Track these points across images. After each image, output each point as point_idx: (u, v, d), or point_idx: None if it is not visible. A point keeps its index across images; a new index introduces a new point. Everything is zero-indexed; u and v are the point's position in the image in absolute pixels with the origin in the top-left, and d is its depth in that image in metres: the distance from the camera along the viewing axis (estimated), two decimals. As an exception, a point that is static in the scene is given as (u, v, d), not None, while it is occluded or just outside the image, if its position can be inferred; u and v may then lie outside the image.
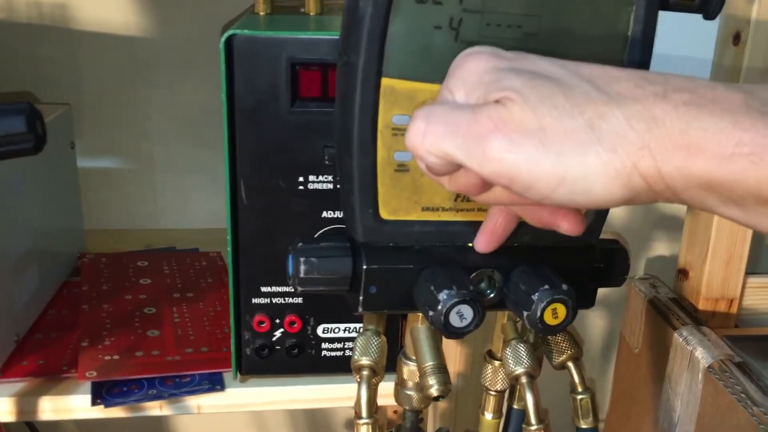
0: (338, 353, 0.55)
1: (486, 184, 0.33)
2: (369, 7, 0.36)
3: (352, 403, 0.47)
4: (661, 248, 0.92)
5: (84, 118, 0.81)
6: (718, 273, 0.64)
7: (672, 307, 0.65)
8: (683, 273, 0.68)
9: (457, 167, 0.32)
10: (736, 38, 0.58)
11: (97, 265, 0.72)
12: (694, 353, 0.59)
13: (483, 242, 0.40)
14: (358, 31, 0.37)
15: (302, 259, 0.40)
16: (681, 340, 0.60)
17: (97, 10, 0.79)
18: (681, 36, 0.62)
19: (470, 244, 0.41)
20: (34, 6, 0.78)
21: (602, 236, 0.44)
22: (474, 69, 0.32)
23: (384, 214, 0.40)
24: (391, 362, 0.46)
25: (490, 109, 0.30)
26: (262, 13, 0.56)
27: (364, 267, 0.40)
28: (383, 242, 0.40)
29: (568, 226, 0.36)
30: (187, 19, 0.80)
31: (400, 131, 0.39)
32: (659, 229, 0.92)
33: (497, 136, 0.29)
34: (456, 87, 0.32)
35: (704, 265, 0.64)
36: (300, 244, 0.41)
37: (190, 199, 0.88)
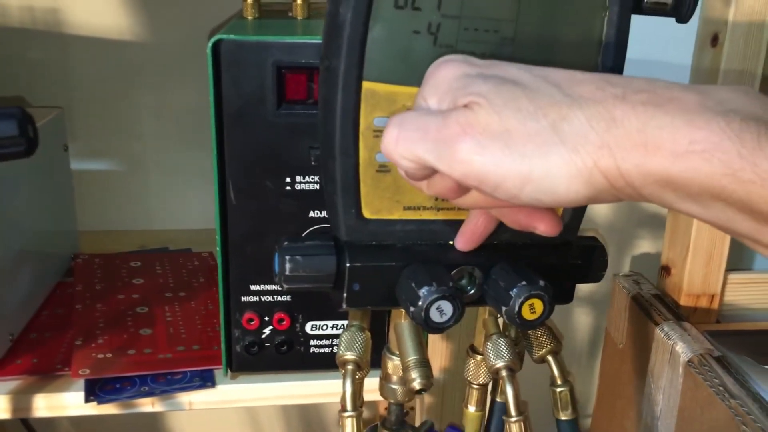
0: (326, 350, 0.57)
1: (461, 188, 0.35)
2: (349, 13, 0.37)
3: (339, 399, 0.48)
4: (645, 246, 0.94)
5: (77, 120, 0.82)
6: (699, 270, 0.65)
7: (654, 303, 0.67)
8: (665, 270, 0.69)
9: (432, 171, 0.33)
10: (714, 40, 0.59)
11: (91, 266, 0.73)
12: (675, 348, 0.60)
13: (463, 241, 0.41)
14: (339, 37, 0.38)
15: (288, 258, 0.41)
16: (662, 335, 0.62)
17: (88, 14, 0.80)
18: (661, 38, 0.63)
19: (451, 242, 0.42)
20: (27, 10, 0.79)
21: (582, 233, 0.46)
22: (445, 76, 0.33)
23: (366, 213, 0.41)
24: (377, 358, 0.47)
25: (459, 114, 0.31)
26: (249, 18, 0.57)
27: (348, 265, 0.41)
28: (366, 241, 0.42)
29: (544, 227, 0.37)
30: (177, 23, 0.81)
31: (381, 133, 0.40)
32: (643, 227, 0.93)
33: (465, 139, 0.30)
34: (429, 94, 0.34)
35: (685, 262, 0.65)
36: (286, 243, 0.42)
37: (182, 200, 0.89)
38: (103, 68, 0.82)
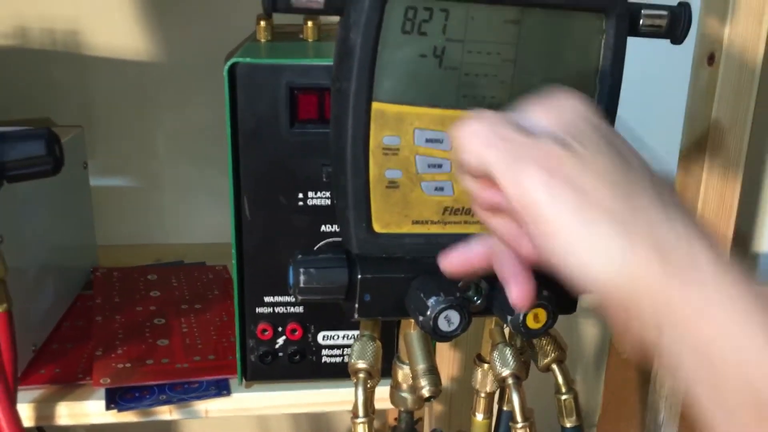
0: (338, 359, 0.58)
1: (503, 209, 0.34)
2: (359, 38, 0.40)
3: (351, 407, 0.50)
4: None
5: (96, 139, 0.84)
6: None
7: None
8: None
9: (485, 176, 0.33)
10: (711, 59, 0.61)
11: (110, 279, 0.76)
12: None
13: (447, 263, 0.40)
14: (350, 61, 0.40)
15: (302, 270, 0.43)
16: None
17: (107, 35, 0.83)
18: (658, 57, 0.65)
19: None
20: (47, 33, 0.82)
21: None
22: (575, 107, 0.34)
23: (377, 227, 0.43)
24: (387, 367, 0.49)
25: (553, 143, 0.31)
26: (263, 40, 0.60)
27: (359, 277, 0.43)
28: (376, 254, 0.43)
29: (515, 296, 0.37)
30: (192, 45, 0.84)
31: (390, 151, 0.42)
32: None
33: (539, 171, 0.30)
34: (546, 111, 0.33)
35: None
36: (300, 256, 0.44)
37: (195, 215, 0.91)
38: (121, 88, 0.85)
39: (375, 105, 0.41)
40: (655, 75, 0.75)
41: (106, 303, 0.70)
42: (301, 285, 0.43)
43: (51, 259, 0.67)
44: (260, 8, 0.39)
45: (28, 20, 0.81)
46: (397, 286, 0.43)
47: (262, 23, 0.60)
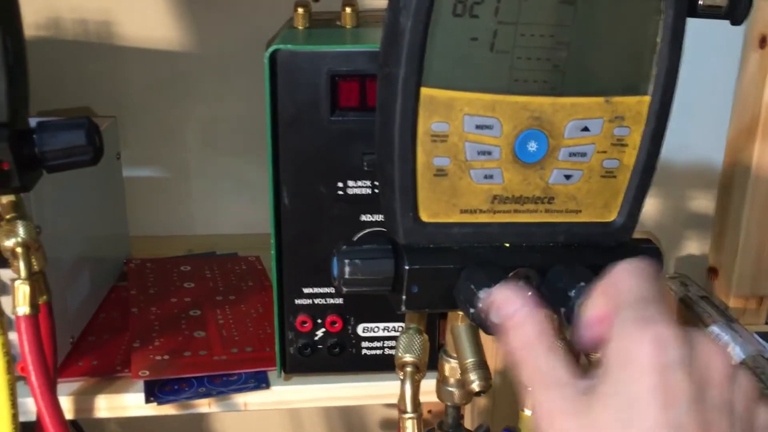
0: (378, 351, 0.57)
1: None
2: (409, 22, 0.38)
3: (391, 400, 0.49)
4: (691, 247, 0.93)
5: (128, 129, 0.84)
6: (748, 271, 0.65)
7: (703, 305, 0.66)
8: (713, 272, 0.69)
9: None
10: (763, 41, 0.59)
11: (143, 270, 0.75)
12: (727, 349, 0.60)
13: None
14: (399, 45, 0.39)
15: (347, 261, 0.42)
16: (713, 336, 0.62)
17: (139, 26, 0.82)
18: (705, 39, 0.63)
19: (507, 245, 0.43)
20: (80, 23, 0.82)
21: (635, 235, 0.46)
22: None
23: (424, 216, 0.42)
24: (430, 360, 0.48)
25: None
26: (300, 27, 0.59)
27: (407, 267, 0.41)
28: (424, 244, 0.42)
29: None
30: (226, 34, 0.83)
31: (438, 138, 0.41)
32: (689, 228, 0.93)
33: None
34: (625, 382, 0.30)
35: (734, 263, 0.65)
36: (344, 247, 0.43)
37: (226, 206, 0.90)
38: (153, 78, 0.84)
39: (424, 90, 0.40)
40: (700, 58, 0.73)
41: (141, 294, 0.70)
42: (346, 276, 0.42)
43: (86, 250, 0.67)
44: None
45: (60, 11, 0.81)
46: (445, 276, 0.42)
47: (300, 10, 0.59)
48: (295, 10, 0.59)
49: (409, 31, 0.38)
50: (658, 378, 0.29)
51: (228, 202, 0.90)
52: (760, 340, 0.61)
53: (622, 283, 0.34)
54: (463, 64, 0.40)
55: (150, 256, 0.79)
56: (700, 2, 0.43)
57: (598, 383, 0.30)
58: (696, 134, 0.76)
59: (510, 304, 0.36)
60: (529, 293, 0.36)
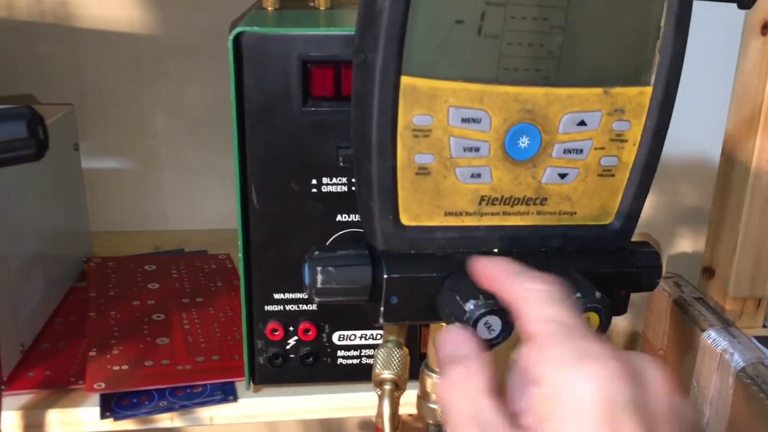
0: (354, 361, 0.53)
1: None
2: (387, 1, 0.34)
3: (368, 412, 0.45)
4: (684, 245, 0.90)
5: (88, 117, 0.79)
6: (746, 271, 0.62)
7: (698, 307, 0.63)
8: (709, 272, 0.65)
9: None
10: (765, 27, 0.56)
11: (104, 270, 0.70)
12: (724, 356, 0.56)
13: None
14: (376, 27, 0.35)
15: (319, 269, 0.38)
16: (710, 341, 0.58)
17: (99, 7, 0.77)
18: (699, 25, 0.59)
19: (495, 250, 0.39)
20: (35, 4, 0.76)
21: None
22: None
23: (405, 219, 0.38)
24: (411, 369, 0.44)
25: None
26: (270, 8, 0.54)
27: (385, 276, 0.38)
28: (404, 250, 0.38)
29: None
30: (193, 14, 0.78)
31: (421, 132, 0.37)
32: (682, 225, 0.90)
33: None
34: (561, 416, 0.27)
35: (732, 263, 0.61)
36: (316, 253, 0.39)
37: (196, 200, 0.86)
38: (115, 62, 0.79)
39: (404, 79, 0.36)
40: (696, 45, 0.70)
41: (101, 296, 0.65)
42: (319, 285, 0.38)
43: (41, 249, 0.62)
44: None
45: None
46: (428, 286, 0.38)
47: (270, -13, 0.54)
48: (264, -10, 0.55)
49: (387, 12, 0.34)
50: (607, 426, 0.25)
51: (198, 194, 0.86)
52: (759, 345, 0.57)
53: (538, 310, 0.30)
54: (447, 49, 0.35)
55: (113, 254, 0.74)
56: (708, -17, 0.39)
57: None
58: (691, 125, 0.72)
59: (449, 343, 0.33)
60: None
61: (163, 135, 0.83)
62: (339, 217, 0.49)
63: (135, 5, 0.77)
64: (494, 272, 0.34)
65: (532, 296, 0.31)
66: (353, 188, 0.49)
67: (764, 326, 0.64)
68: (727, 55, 0.63)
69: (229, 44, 0.45)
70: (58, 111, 0.68)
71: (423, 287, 0.38)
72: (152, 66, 0.80)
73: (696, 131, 0.73)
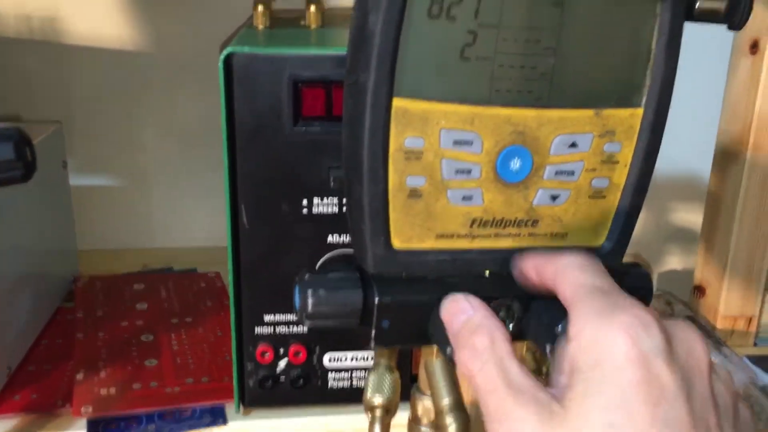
0: (346, 383, 0.53)
1: None
2: (379, 23, 0.34)
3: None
4: (674, 262, 0.90)
5: (76, 134, 0.78)
6: (737, 290, 0.62)
7: (690, 326, 0.63)
8: (699, 290, 0.65)
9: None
10: (754, 47, 0.56)
11: (92, 290, 0.70)
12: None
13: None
14: (368, 49, 0.34)
15: (310, 292, 0.38)
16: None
17: (88, 22, 0.76)
18: (689, 43, 0.60)
19: (487, 273, 0.39)
20: (24, 19, 0.76)
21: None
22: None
23: (396, 243, 0.38)
24: (402, 392, 0.43)
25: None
26: (260, 27, 0.54)
27: (377, 300, 0.37)
28: (395, 273, 0.38)
29: None
30: (182, 30, 0.78)
31: (412, 154, 0.37)
32: (672, 242, 0.90)
33: None
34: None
35: (722, 281, 0.61)
36: (307, 276, 0.38)
37: (186, 217, 0.85)
38: (103, 79, 0.79)
39: (396, 101, 0.35)
40: (686, 62, 0.70)
41: (89, 317, 0.64)
42: (310, 310, 0.37)
43: (28, 268, 0.61)
44: None
45: (2, 6, 0.75)
46: (419, 310, 0.38)
47: (260, 7, 0.54)
48: (255, 8, 0.54)
49: (379, 34, 0.34)
50: (639, 371, 0.25)
51: (188, 211, 0.85)
52: (751, 365, 0.57)
53: (572, 278, 0.31)
54: (439, 71, 0.35)
55: (100, 272, 0.73)
56: (698, 5, 0.39)
57: (568, 388, 0.27)
58: (681, 142, 0.72)
59: (461, 312, 0.33)
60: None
61: (152, 151, 0.82)
62: (330, 239, 0.49)
63: (124, 21, 0.77)
64: (536, 260, 0.35)
65: (568, 266, 0.32)
66: (344, 209, 0.48)
67: (755, 345, 0.64)
68: (716, 73, 0.63)
69: (220, 65, 0.44)
70: (46, 129, 0.67)
71: (415, 311, 0.37)
72: (141, 82, 0.79)
73: (686, 149, 0.73)
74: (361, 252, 0.38)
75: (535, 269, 0.34)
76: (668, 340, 0.27)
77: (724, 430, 0.27)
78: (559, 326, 0.37)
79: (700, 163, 0.69)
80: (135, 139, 0.81)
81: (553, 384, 0.28)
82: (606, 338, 0.26)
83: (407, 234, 0.38)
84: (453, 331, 0.33)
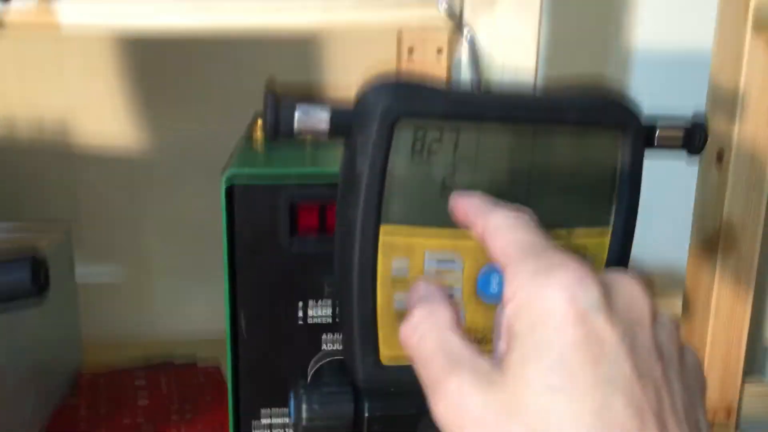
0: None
1: None
2: (366, 164, 0.37)
3: None
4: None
5: (83, 229, 0.82)
6: (715, 382, 0.64)
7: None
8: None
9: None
10: (720, 157, 0.60)
11: (95, 386, 0.72)
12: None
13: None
14: (356, 187, 0.38)
15: (305, 406, 0.40)
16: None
17: (96, 124, 0.81)
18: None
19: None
20: (36, 123, 0.80)
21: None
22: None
23: (385, 359, 0.40)
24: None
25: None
26: (259, 141, 0.58)
27: (366, 415, 0.40)
28: (384, 388, 0.40)
29: None
30: (185, 128, 0.82)
31: (399, 276, 0.40)
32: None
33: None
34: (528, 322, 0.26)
35: (702, 375, 0.64)
36: (302, 389, 0.41)
37: (188, 308, 0.88)
38: (110, 176, 0.83)
39: (383, 229, 0.39)
40: (658, 173, 0.74)
41: (92, 415, 0.66)
42: (304, 423, 0.40)
43: (33, 366, 0.63)
44: (257, 100, 0.38)
45: (17, 110, 0.79)
46: (407, 423, 0.40)
47: (260, 120, 0.58)
48: (255, 121, 0.58)
49: (367, 174, 0.37)
50: (578, 330, 0.25)
51: (189, 303, 0.88)
52: (733, 457, 0.59)
53: (502, 239, 0.30)
54: (422, 201, 0.39)
55: (103, 363, 0.76)
56: (657, 134, 0.43)
57: (508, 353, 0.26)
58: (657, 241, 0.76)
59: (413, 292, 0.34)
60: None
61: (155, 245, 0.86)
62: (324, 346, 0.52)
63: (130, 121, 0.81)
64: (467, 207, 0.34)
65: (500, 225, 0.31)
66: (338, 317, 0.51)
67: (736, 436, 0.66)
68: (689, 171, 0.67)
69: (221, 186, 0.48)
70: (56, 231, 0.70)
71: (403, 424, 0.40)
72: (145, 178, 0.83)
73: (664, 246, 0.76)
74: (352, 366, 0.41)
75: (465, 216, 0.34)
76: (607, 294, 0.26)
77: (671, 381, 0.26)
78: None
79: (677, 260, 0.72)
80: (139, 233, 0.85)
81: (494, 351, 0.28)
82: (541, 299, 0.26)
83: (396, 350, 0.40)
84: (409, 304, 0.33)
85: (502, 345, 0.27)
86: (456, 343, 0.29)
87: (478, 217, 0.33)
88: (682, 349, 0.28)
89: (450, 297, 0.38)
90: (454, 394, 0.26)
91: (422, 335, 0.30)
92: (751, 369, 0.81)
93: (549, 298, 0.26)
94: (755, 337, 0.85)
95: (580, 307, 0.25)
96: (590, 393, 0.24)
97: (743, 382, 0.65)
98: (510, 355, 0.26)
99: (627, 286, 0.28)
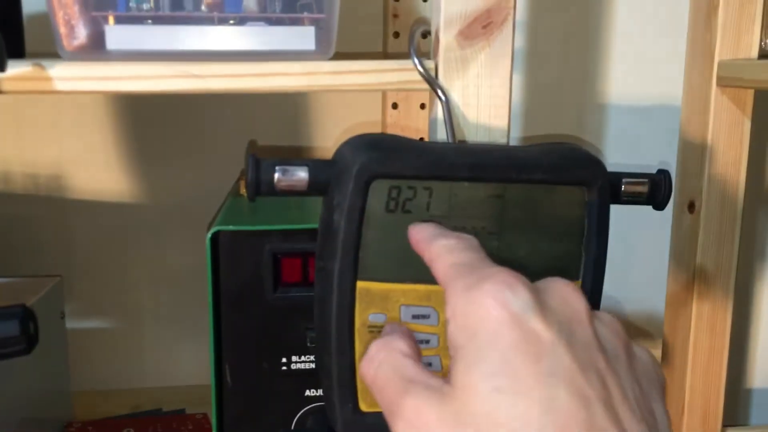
0: None
1: None
2: (343, 221, 0.39)
3: None
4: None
5: (74, 279, 0.83)
6: (696, 430, 0.65)
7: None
8: None
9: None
10: (691, 206, 0.62)
11: (84, 436, 0.72)
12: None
13: None
14: (333, 242, 0.40)
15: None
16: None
17: (88, 177, 0.83)
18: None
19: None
20: (31, 177, 0.82)
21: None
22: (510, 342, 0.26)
23: (363, 407, 0.41)
24: None
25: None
26: (245, 195, 0.60)
27: (346, 463, 0.41)
28: (364, 432, 0.42)
29: None
30: (174, 181, 0.84)
31: (375, 328, 0.41)
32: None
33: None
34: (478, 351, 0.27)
35: (681, 423, 0.65)
36: (283, 439, 0.42)
37: (176, 357, 0.89)
38: (100, 228, 0.84)
39: (360, 284, 0.40)
40: (634, 220, 0.76)
41: (79, 465, 0.67)
42: (286, 472, 0.41)
43: (22, 416, 0.64)
44: (243, 153, 0.39)
45: (11, 164, 0.81)
46: (386, 470, 0.41)
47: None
48: (242, 177, 0.60)
49: (343, 230, 0.39)
50: (514, 332, 0.26)
51: (177, 352, 0.89)
52: (713, 504, 0.60)
53: (441, 263, 0.32)
54: (397, 257, 0.40)
55: (93, 414, 0.76)
56: (623, 189, 0.45)
57: (453, 365, 0.27)
58: (637, 288, 0.78)
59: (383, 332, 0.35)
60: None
61: (144, 294, 0.87)
62: (307, 393, 0.53)
63: (121, 174, 0.83)
64: (418, 236, 0.36)
65: (442, 251, 0.33)
66: (316, 365, 0.53)
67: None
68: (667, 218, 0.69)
69: (207, 241, 0.50)
70: (47, 284, 0.71)
71: (381, 471, 0.41)
72: (135, 229, 0.84)
73: (642, 290, 0.78)
74: (332, 414, 0.42)
75: (416, 244, 0.36)
76: (538, 296, 0.27)
77: (617, 372, 0.27)
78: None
79: (656, 307, 0.73)
80: (128, 283, 0.86)
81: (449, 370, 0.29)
82: (476, 309, 0.27)
83: (373, 399, 0.42)
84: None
85: (450, 363, 0.28)
86: (410, 367, 0.30)
87: (427, 244, 0.35)
88: (628, 345, 0.29)
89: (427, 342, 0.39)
90: (411, 412, 0.27)
91: (379, 364, 0.31)
92: (733, 416, 0.82)
93: (482, 306, 0.27)
94: (735, 387, 0.86)
95: (513, 310, 0.26)
96: (534, 389, 0.25)
97: (724, 428, 0.65)
98: (455, 366, 0.27)
99: (559, 289, 0.29)
